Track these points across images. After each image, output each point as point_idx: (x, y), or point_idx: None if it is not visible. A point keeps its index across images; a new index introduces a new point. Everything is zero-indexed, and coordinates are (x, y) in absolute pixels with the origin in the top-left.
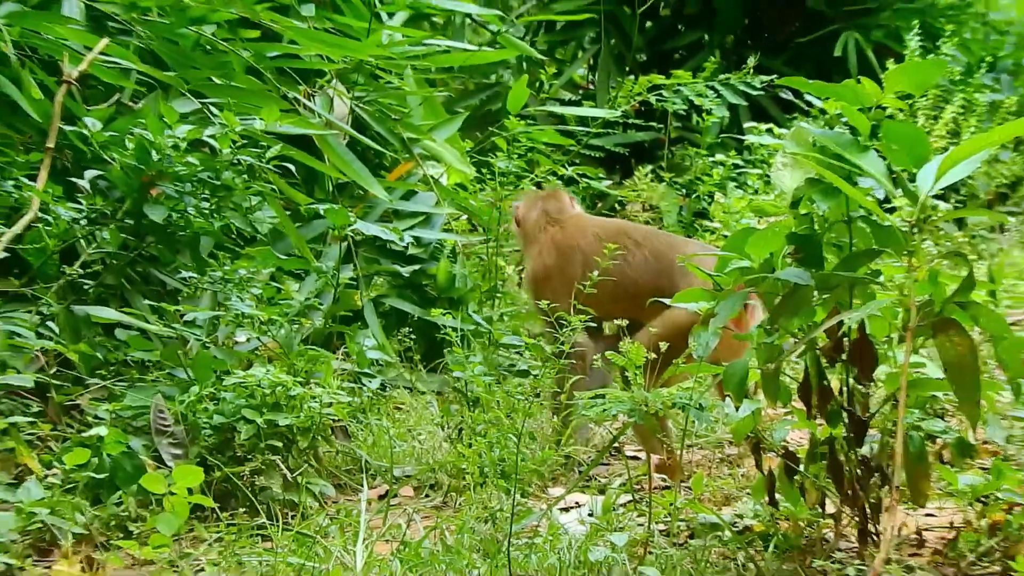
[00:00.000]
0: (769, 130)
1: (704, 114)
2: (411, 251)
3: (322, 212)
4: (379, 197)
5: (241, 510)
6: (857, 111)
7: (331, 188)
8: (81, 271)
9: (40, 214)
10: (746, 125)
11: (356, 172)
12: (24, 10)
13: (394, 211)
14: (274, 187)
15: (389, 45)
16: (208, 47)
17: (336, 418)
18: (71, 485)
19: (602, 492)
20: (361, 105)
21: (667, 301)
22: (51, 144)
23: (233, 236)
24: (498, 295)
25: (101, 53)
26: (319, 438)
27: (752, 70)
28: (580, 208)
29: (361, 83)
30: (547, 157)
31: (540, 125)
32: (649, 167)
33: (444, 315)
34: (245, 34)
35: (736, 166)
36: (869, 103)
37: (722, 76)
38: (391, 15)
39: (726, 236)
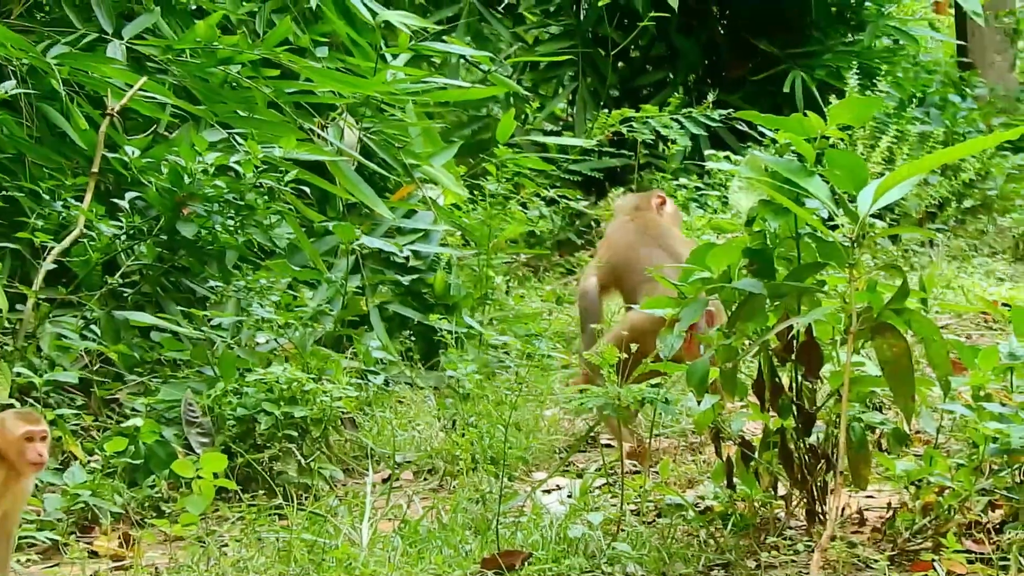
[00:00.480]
0: (727, 157)
1: (669, 143)
2: (411, 263)
3: (332, 229)
4: (383, 216)
5: (261, 492)
6: (804, 141)
7: (341, 208)
8: (121, 280)
9: (85, 230)
10: (706, 153)
11: (363, 193)
12: (73, 51)
13: (397, 228)
14: (291, 207)
15: (393, 82)
16: (234, 84)
17: (345, 410)
18: (111, 470)
19: (580, 476)
20: (368, 135)
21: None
22: (95, 169)
23: (255, 250)
24: (488, 302)
25: (140, 89)
26: (330, 428)
27: (711, 105)
28: (669, 208)
29: (368, 116)
30: (531, 181)
31: (525, 153)
32: (621, 189)
33: (440, 319)
34: (266, 73)
35: (698, 189)
36: (814, 134)
37: (685, 110)
38: (395, 56)
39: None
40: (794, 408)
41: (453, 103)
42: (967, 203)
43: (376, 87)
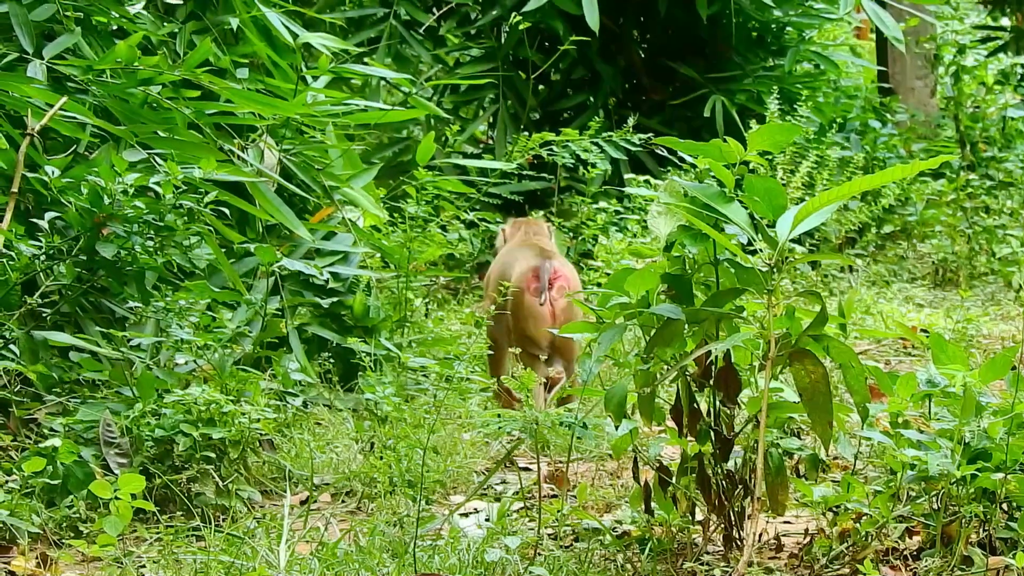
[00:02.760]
0: (646, 181)
1: (589, 167)
2: (331, 285)
3: (252, 250)
4: (303, 237)
5: (179, 513)
6: (723, 167)
7: (261, 229)
8: (40, 300)
9: (4, 250)
10: (626, 176)
11: (283, 215)
12: None
13: (316, 250)
14: (211, 227)
15: (313, 104)
16: (155, 105)
17: (263, 432)
18: (28, 490)
19: (497, 500)
20: (288, 156)
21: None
22: (15, 189)
23: (174, 271)
24: (407, 324)
25: (61, 109)
26: (248, 450)
27: (632, 129)
28: (553, 239)
29: (288, 137)
30: (451, 203)
31: (446, 175)
32: (541, 212)
33: (359, 342)
34: (187, 94)
35: (617, 212)
36: (733, 160)
37: (605, 134)
38: (315, 78)
39: (608, 274)
40: (712, 434)
41: (374, 125)
42: (887, 229)
43: (296, 109)
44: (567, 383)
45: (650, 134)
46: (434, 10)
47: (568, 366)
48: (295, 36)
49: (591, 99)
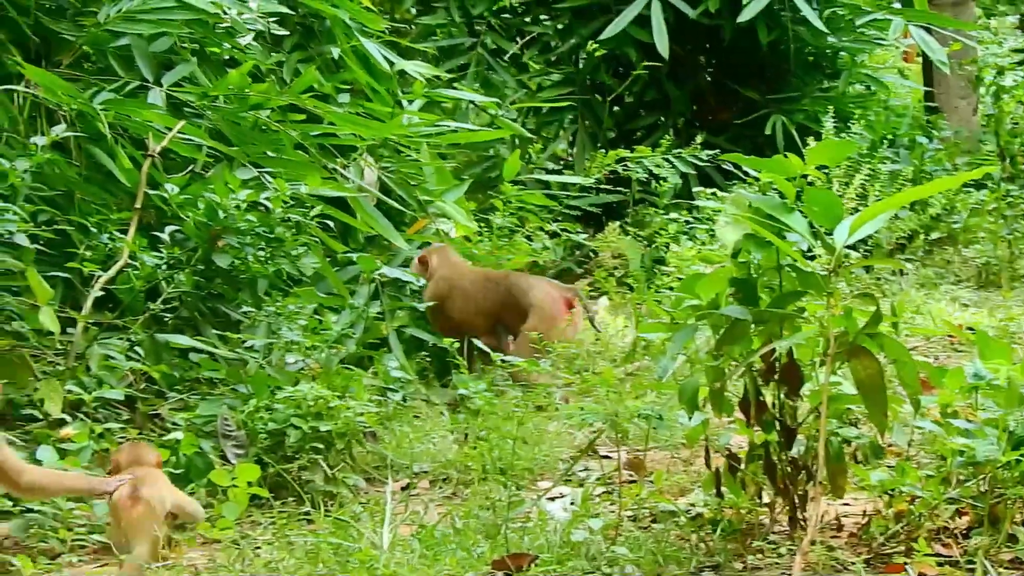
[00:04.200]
0: (714, 194)
1: (661, 181)
2: None
3: (355, 260)
4: (400, 247)
5: (290, 500)
6: (785, 180)
7: (363, 240)
8: (162, 306)
9: (129, 261)
10: (695, 190)
11: (382, 227)
12: (117, 97)
13: (412, 258)
14: (316, 239)
15: (408, 126)
16: (264, 127)
17: (367, 425)
18: None
19: (581, 485)
20: (386, 174)
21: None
22: (138, 205)
23: (284, 278)
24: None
25: (179, 132)
26: (353, 441)
27: (699, 146)
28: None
29: (386, 156)
30: (536, 215)
31: (530, 189)
32: (617, 223)
33: (453, 343)
34: (293, 117)
35: (687, 223)
36: (794, 173)
37: (675, 150)
38: (410, 102)
39: (680, 279)
40: (777, 424)
41: (464, 144)
42: (934, 235)
43: (393, 130)
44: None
45: (716, 151)
46: (517, 39)
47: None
48: (392, 64)
49: (662, 119)
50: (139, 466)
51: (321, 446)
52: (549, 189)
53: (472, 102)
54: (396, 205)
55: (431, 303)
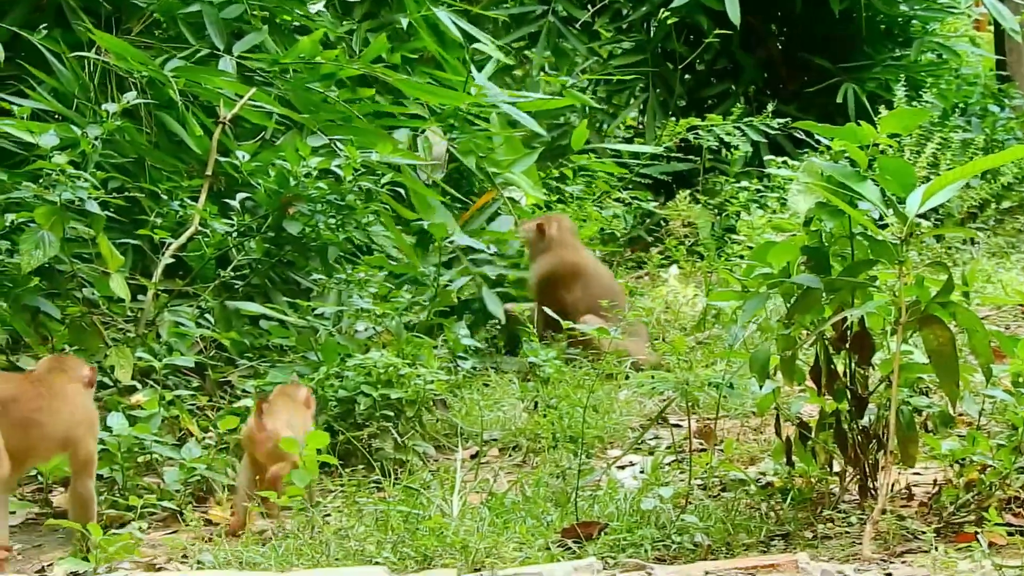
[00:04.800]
0: (785, 162)
1: (732, 149)
2: (497, 260)
3: (426, 227)
4: (477, 212)
5: (360, 467)
6: (857, 148)
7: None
8: (232, 273)
9: (200, 228)
10: (766, 158)
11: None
12: (188, 65)
13: (481, 229)
14: (387, 207)
15: (479, 96)
16: (332, 100)
17: (437, 393)
18: (224, 446)
19: (651, 453)
20: (455, 143)
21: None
22: (209, 172)
23: (354, 246)
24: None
25: (249, 100)
26: (423, 409)
27: (770, 114)
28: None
29: (456, 126)
30: (606, 183)
31: (601, 158)
32: (687, 191)
33: (523, 311)
34: (362, 87)
35: (758, 191)
36: (866, 142)
37: (746, 119)
38: (480, 69)
39: (751, 247)
40: (848, 392)
41: (533, 113)
42: (1005, 204)
43: (462, 99)
44: None
45: (788, 119)
46: (589, 7)
47: None
48: (465, 36)
49: (733, 87)
50: (287, 401)
51: (391, 414)
52: (620, 157)
53: (543, 68)
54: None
55: (545, 276)
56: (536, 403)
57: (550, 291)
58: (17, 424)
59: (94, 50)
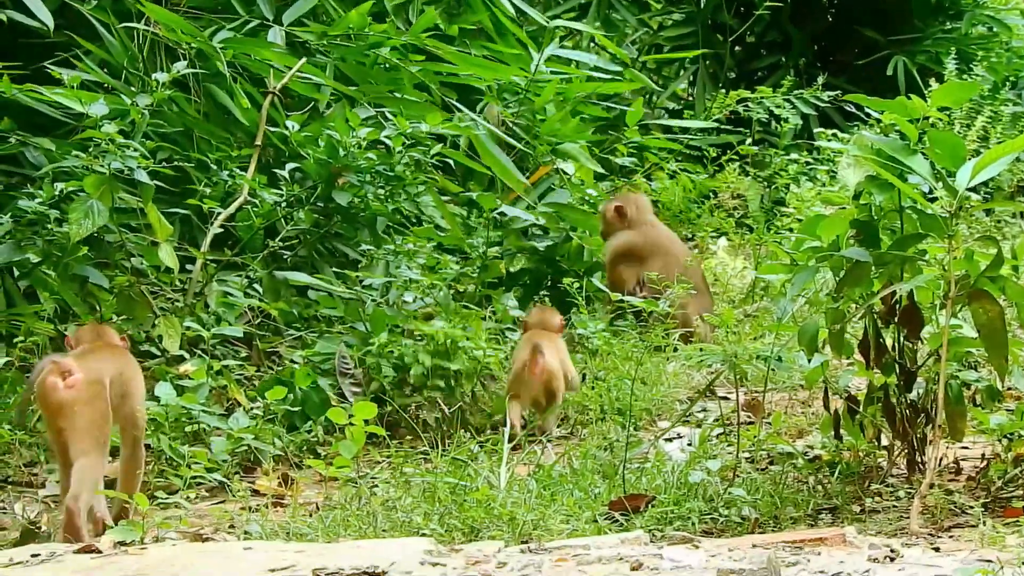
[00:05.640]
0: (835, 135)
1: (781, 122)
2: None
3: (476, 199)
4: (519, 189)
5: (408, 438)
6: (907, 122)
7: (486, 183)
8: (281, 244)
9: (249, 198)
10: (816, 130)
11: (505, 168)
12: (236, 36)
13: (535, 202)
14: (435, 178)
15: (538, 73)
16: (384, 65)
17: (489, 366)
18: (271, 416)
19: (699, 426)
20: (510, 117)
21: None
22: (259, 143)
23: (403, 217)
24: None
25: (298, 71)
26: (477, 381)
27: (821, 87)
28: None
29: (511, 99)
30: (655, 155)
31: (651, 131)
32: (737, 163)
33: (573, 282)
34: (414, 58)
35: (807, 164)
36: (916, 115)
37: (796, 91)
38: (536, 43)
39: (800, 220)
40: (896, 366)
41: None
42: None
43: (515, 73)
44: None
45: (837, 92)
46: None
47: None
48: (520, 12)
49: (783, 59)
50: (544, 330)
51: (441, 384)
52: (671, 132)
53: (593, 40)
54: (519, 146)
55: (625, 252)
56: (584, 375)
57: (630, 266)
58: (120, 395)
59: (143, 21)
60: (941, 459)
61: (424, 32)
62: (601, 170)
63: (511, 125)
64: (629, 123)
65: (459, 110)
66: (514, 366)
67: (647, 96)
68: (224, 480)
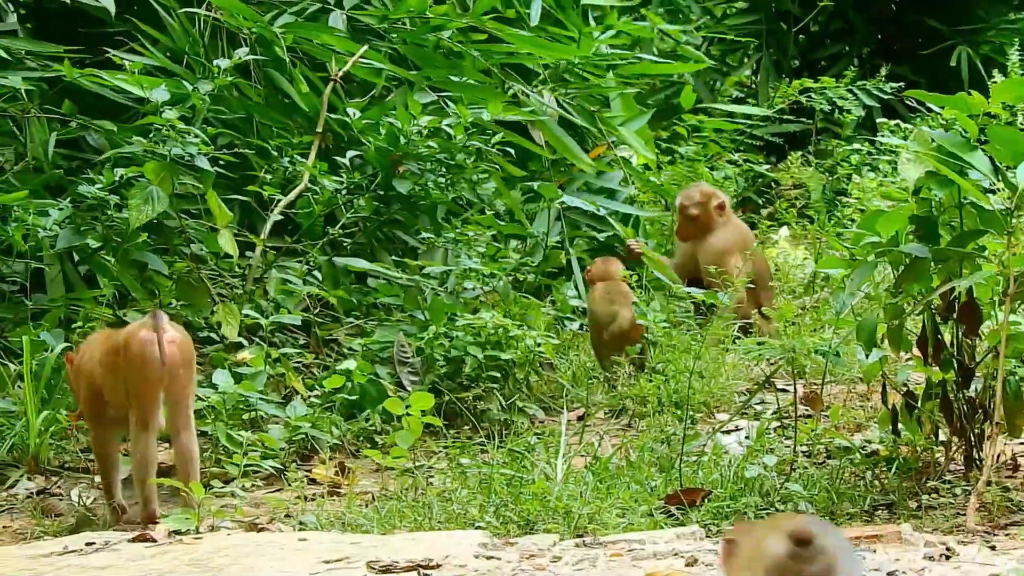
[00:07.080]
0: (897, 126)
1: (844, 112)
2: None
3: (537, 188)
4: (584, 170)
5: (465, 428)
6: (968, 117)
7: (545, 164)
8: (341, 231)
9: (309, 185)
10: (878, 121)
11: (567, 147)
12: (297, 21)
13: (586, 183)
14: (497, 165)
15: (595, 54)
16: (445, 50)
17: (545, 355)
18: (329, 404)
19: (757, 419)
20: (568, 100)
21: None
22: (319, 129)
23: (462, 205)
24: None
25: (360, 56)
26: (531, 371)
27: (884, 78)
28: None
29: (571, 82)
30: (718, 144)
31: (714, 118)
32: (799, 153)
33: (631, 272)
34: (475, 37)
35: (870, 154)
36: (977, 111)
37: (859, 82)
38: (599, 20)
39: (861, 210)
40: (955, 362)
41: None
42: None
43: (574, 53)
44: None
45: (901, 83)
46: None
47: None
48: None
49: (846, 49)
50: (609, 280)
51: (498, 375)
52: (732, 117)
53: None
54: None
55: (730, 248)
56: (643, 366)
57: (727, 262)
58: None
59: (204, 6)
60: (998, 456)
61: (484, 15)
62: (653, 157)
63: (567, 106)
64: (684, 104)
65: (523, 93)
66: (599, 321)
67: (711, 84)
68: (281, 467)
